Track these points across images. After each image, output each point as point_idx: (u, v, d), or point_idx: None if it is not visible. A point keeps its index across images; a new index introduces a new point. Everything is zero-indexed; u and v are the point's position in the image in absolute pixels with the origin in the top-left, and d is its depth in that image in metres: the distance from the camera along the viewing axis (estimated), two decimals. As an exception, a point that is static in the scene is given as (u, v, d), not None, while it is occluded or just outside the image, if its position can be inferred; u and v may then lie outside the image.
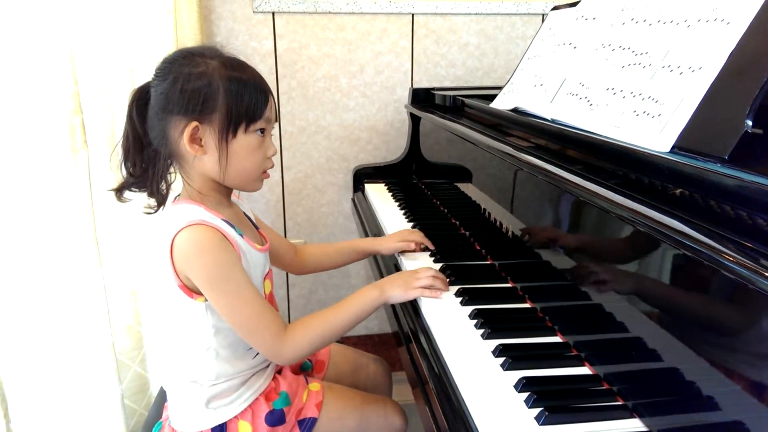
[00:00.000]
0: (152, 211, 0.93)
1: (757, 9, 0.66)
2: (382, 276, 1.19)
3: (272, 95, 0.91)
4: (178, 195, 0.96)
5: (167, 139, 0.87)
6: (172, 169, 0.93)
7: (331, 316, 0.94)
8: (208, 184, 0.92)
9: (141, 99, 0.89)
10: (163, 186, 0.92)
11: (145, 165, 0.90)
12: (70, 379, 1.36)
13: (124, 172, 0.91)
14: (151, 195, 0.92)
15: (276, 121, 0.94)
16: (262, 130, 0.90)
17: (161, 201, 0.93)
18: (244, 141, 0.88)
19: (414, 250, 1.17)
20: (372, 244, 1.22)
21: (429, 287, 0.96)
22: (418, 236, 1.18)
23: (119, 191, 0.92)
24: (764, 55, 0.63)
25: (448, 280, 1.01)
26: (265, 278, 1.00)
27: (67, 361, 1.35)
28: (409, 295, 0.96)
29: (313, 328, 0.93)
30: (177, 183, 0.96)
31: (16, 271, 1.26)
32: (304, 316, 0.95)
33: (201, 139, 0.86)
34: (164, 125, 0.86)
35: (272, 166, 0.94)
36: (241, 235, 0.92)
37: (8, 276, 1.25)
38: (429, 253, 1.16)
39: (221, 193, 0.94)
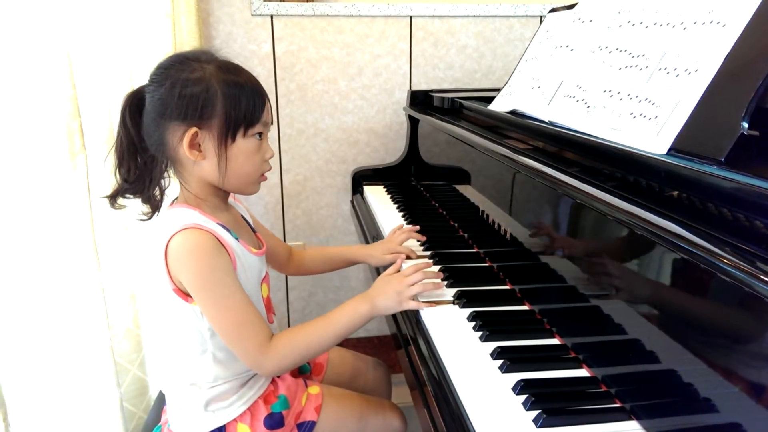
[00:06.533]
0: (146, 217, 0.93)
1: (752, 11, 0.66)
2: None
3: (268, 98, 0.91)
4: (175, 199, 0.96)
5: (165, 146, 0.87)
6: (165, 174, 0.93)
7: (319, 329, 0.92)
8: (207, 189, 0.92)
9: (134, 104, 0.88)
10: (157, 192, 0.92)
11: (140, 171, 0.90)
12: (70, 382, 1.36)
13: (119, 178, 0.91)
14: (145, 201, 0.92)
15: (272, 123, 0.94)
16: (260, 134, 0.90)
17: (155, 207, 0.93)
18: (242, 145, 0.88)
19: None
20: (362, 255, 1.18)
21: (423, 293, 0.94)
22: (406, 236, 1.15)
23: (113, 198, 0.92)
24: (760, 58, 0.63)
25: (442, 275, 1.01)
26: (261, 282, 1.00)
27: (67, 364, 1.35)
28: (403, 307, 0.93)
29: (298, 342, 0.91)
30: (172, 188, 0.96)
31: (15, 274, 1.26)
32: (289, 328, 0.93)
33: (200, 145, 0.86)
34: (162, 131, 0.86)
35: (270, 169, 0.94)
36: (236, 239, 0.92)
37: (7, 280, 1.25)
38: (428, 255, 1.16)
39: (219, 197, 0.94)
